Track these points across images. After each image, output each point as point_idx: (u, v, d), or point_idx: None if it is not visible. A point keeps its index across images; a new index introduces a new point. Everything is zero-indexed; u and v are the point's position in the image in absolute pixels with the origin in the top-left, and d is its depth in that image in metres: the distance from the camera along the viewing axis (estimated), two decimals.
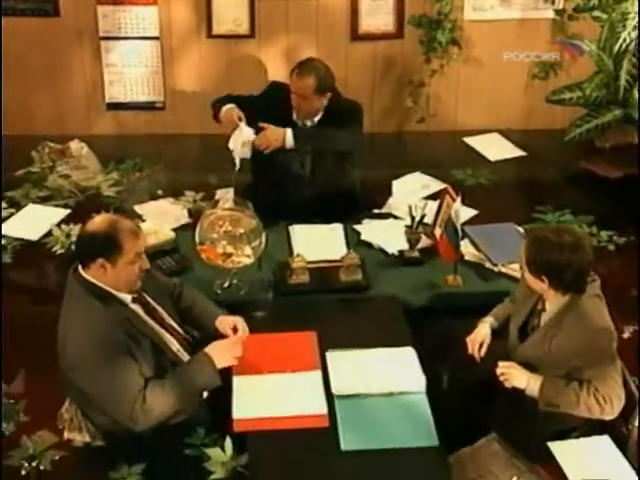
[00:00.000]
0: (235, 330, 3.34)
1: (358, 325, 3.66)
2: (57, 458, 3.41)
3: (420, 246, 4.06)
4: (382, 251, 4.11)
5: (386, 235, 4.19)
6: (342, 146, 4.54)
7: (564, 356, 3.16)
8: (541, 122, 6.22)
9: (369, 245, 4.15)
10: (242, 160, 4.48)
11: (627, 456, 3.12)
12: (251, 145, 4.42)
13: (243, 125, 4.41)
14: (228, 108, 4.49)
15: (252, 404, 3.18)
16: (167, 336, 3.23)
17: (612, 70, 5.56)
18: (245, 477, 3.06)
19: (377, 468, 2.96)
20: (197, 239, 3.69)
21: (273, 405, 3.18)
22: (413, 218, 4.03)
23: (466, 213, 4.57)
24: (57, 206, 5.19)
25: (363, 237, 4.21)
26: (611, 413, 3.15)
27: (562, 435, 3.21)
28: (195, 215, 4.26)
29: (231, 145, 4.44)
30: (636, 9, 5.28)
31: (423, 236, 4.08)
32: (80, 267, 3.12)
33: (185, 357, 3.25)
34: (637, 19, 5.26)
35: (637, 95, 5.48)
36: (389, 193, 5.11)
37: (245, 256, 3.67)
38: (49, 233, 4.88)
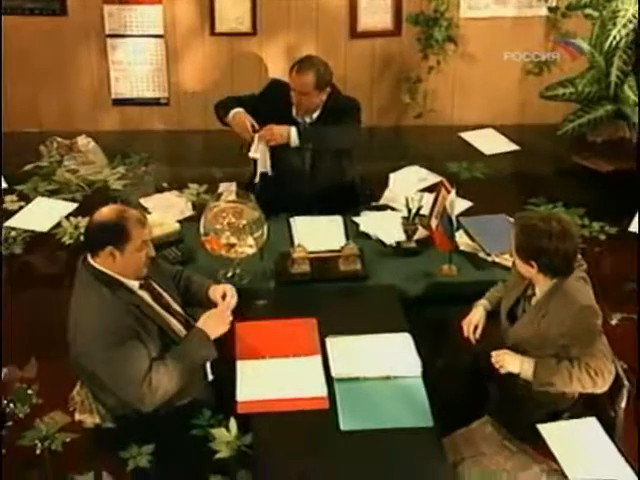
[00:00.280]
0: (224, 298, 3.41)
1: (357, 312, 3.68)
2: (68, 439, 3.45)
3: (417, 237, 4.09)
4: (380, 242, 4.14)
5: (384, 226, 4.22)
6: (343, 144, 4.58)
7: (553, 335, 3.21)
8: (535, 117, 6.19)
9: (367, 236, 4.18)
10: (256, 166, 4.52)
11: (613, 437, 3.18)
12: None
13: (261, 146, 4.41)
14: (237, 113, 4.48)
15: (255, 387, 3.24)
16: (172, 320, 3.28)
17: (603, 66, 5.56)
18: (249, 456, 3.13)
19: (374, 447, 3.02)
20: (201, 230, 3.73)
21: (275, 388, 3.23)
22: (410, 210, 4.06)
23: (461, 205, 4.58)
24: (65, 199, 5.22)
25: (362, 228, 4.23)
26: (603, 385, 3.19)
27: (553, 417, 3.26)
28: (199, 207, 4.28)
29: (252, 154, 4.45)
30: (626, 7, 5.27)
31: (419, 227, 4.10)
32: (89, 256, 3.18)
33: None
34: (627, 17, 5.26)
35: (627, 91, 5.48)
36: (387, 185, 5.13)
37: (248, 246, 3.71)
38: (58, 225, 4.93)
